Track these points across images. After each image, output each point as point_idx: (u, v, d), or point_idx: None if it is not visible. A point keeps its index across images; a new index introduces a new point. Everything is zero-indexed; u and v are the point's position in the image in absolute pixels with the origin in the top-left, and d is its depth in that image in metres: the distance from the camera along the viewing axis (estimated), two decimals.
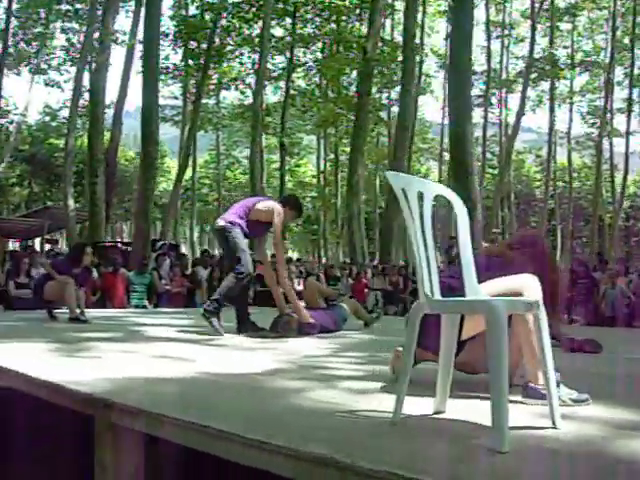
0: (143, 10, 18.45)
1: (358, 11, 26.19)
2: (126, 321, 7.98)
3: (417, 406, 2.88)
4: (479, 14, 31.72)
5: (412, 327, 2.73)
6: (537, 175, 54.06)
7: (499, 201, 36.25)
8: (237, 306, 6.75)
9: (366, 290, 16.26)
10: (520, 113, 31.99)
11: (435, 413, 2.85)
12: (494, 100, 38.49)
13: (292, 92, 27.48)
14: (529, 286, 3.20)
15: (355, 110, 23.19)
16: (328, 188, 38.74)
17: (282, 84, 29.10)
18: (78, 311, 7.46)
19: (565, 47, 39.46)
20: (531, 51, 31.54)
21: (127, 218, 44.94)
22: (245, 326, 6.60)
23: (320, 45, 27.19)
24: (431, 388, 2.91)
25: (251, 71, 28.27)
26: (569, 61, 37.63)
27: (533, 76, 33.27)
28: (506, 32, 37.77)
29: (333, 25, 26.26)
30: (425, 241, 2.76)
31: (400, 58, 22.81)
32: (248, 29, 26.18)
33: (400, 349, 3.74)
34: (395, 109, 39.34)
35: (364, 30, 24.82)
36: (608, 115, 38.61)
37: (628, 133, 37.41)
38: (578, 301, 13.86)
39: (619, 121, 42.82)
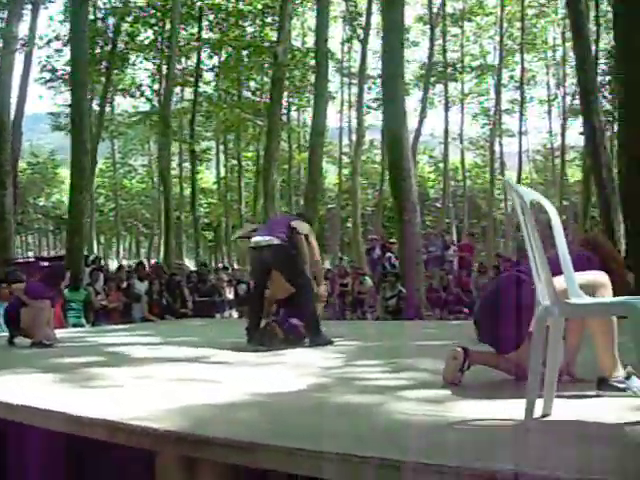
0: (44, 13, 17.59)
1: (268, 17, 26.02)
2: (90, 342, 7.53)
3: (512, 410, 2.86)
4: (376, 18, 32.18)
5: (541, 331, 2.70)
6: (431, 175, 55.37)
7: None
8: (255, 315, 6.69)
9: None
10: (422, 116, 32.68)
11: (543, 416, 2.83)
12: None
13: (199, 98, 27.02)
14: (603, 283, 3.28)
15: (265, 115, 23.04)
16: (230, 194, 38.36)
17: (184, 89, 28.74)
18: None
19: (455, 51, 40.60)
20: (430, 55, 32.29)
21: (19, 232, 42.97)
22: (257, 336, 6.50)
23: (229, 50, 26.76)
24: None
25: (156, 77, 27.61)
26: (461, 65, 38.76)
27: (433, 79, 34.03)
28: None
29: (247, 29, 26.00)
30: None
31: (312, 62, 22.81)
32: (153, 34, 25.59)
33: (459, 350, 3.74)
34: (294, 114, 39.95)
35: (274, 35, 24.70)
36: (498, 116, 40.13)
37: (521, 133, 39.02)
38: None
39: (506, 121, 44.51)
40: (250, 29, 26.53)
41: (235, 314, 14.12)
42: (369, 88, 36.34)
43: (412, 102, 42.06)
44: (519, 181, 40.07)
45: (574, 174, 51.88)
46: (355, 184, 31.72)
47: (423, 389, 3.72)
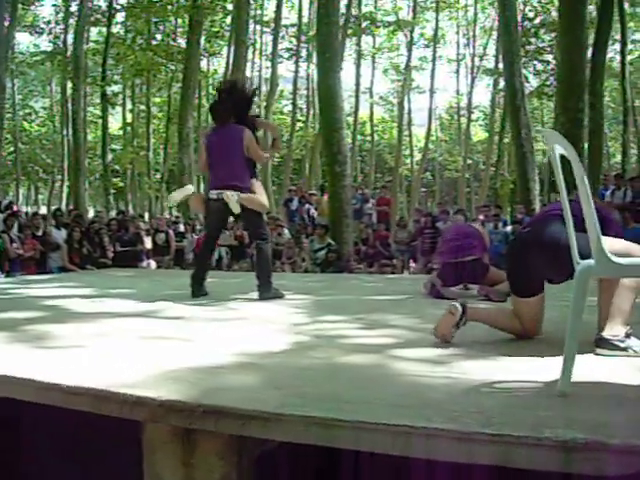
0: None
1: None
2: (18, 294, 6.93)
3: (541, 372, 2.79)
4: None
5: (583, 289, 2.59)
6: None
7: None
8: (201, 268, 6.49)
9: None
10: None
11: None
12: (304, 54, 38.70)
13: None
14: (637, 250, 3.24)
15: (178, 60, 22.28)
16: (137, 140, 37.10)
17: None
18: None
19: (368, 5, 40.42)
20: (348, 7, 31.88)
21: None
22: (201, 289, 6.38)
23: None
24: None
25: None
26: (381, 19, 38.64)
27: (350, 32, 33.67)
28: None
29: None
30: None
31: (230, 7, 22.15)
32: None
33: (457, 305, 3.67)
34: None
35: None
36: (409, 72, 40.41)
37: (432, 91, 39.48)
38: (423, 250, 14.46)
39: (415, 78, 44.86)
40: None
41: (153, 264, 13.68)
42: (282, 37, 35.80)
43: None
44: (427, 138, 40.64)
45: (477, 133, 53.13)
46: (267, 134, 31.14)
47: (415, 347, 3.60)
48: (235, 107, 6.45)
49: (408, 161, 48.75)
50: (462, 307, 3.66)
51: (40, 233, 12.04)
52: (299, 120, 40.73)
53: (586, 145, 9.73)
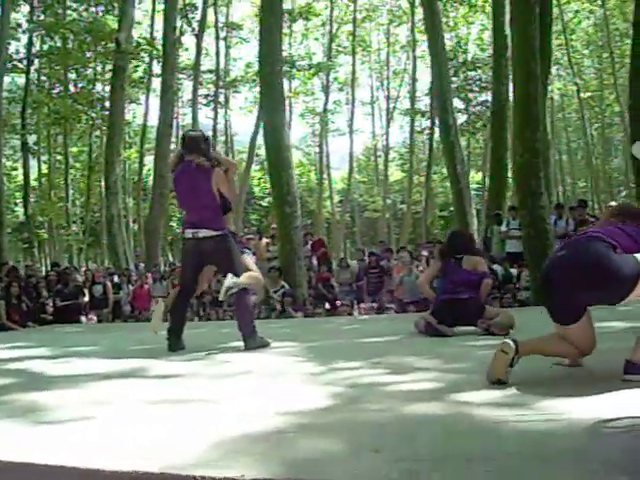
0: None
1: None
2: None
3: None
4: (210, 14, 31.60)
5: None
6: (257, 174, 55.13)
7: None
8: (179, 320, 6.00)
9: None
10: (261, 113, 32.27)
11: None
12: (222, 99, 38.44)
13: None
14: None
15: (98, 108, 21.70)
16: (54, 191, 35.73)
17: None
18: None
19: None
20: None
21: None
22: (179, 343, 5.93)
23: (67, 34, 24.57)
24: None
25: None
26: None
27: None
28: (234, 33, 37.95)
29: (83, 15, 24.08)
30: None
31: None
32: None
33: (510, 342, 3.40)
34: None
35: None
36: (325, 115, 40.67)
37: (352, 132, 39.89)
38: (369, 290, 14.23)
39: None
40: (85, 14, 24.69)
41: (94, 318, 12.93)
42: (200, 84, 35.36)
43: (239, 101, 41.82)
44: (350, 179, 40.86)
45: (393, 173, 53.83)
46: None
47: (471, 391, 3.32)
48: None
49: (327, 203, 48.83)
50: (514, 343, 3.38)
51: None
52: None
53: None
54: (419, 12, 37.21)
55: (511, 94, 12.56)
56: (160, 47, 21.88)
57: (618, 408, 2.76)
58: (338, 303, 14.80)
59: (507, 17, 15.26)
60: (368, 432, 2.62)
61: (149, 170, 40.19)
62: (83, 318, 12.54)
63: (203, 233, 5.79)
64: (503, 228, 13.35)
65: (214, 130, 37.83)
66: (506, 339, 3.46)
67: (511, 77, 12.50)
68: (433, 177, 39.62)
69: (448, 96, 16.69)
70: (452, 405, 3.04)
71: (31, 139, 28.44)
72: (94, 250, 38.77)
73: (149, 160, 40.85)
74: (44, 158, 36.39)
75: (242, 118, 75.03)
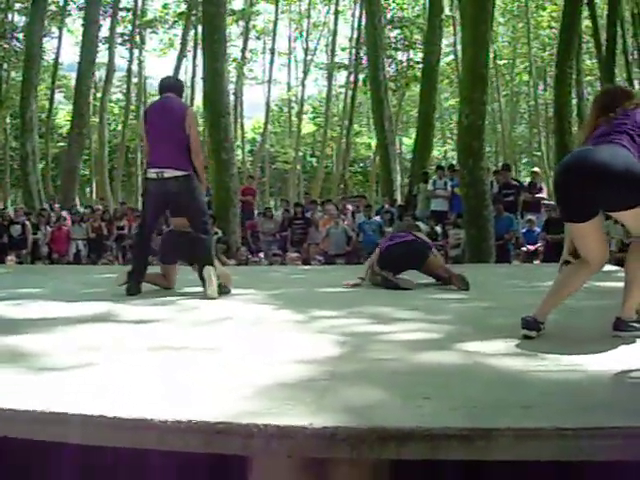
0: None
1: None
2: None
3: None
4: None
5: None
6: None
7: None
8: (140, 264, 5.80)
9: None
10: (182, 54, 31.52)
11: None
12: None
13: None
14: None
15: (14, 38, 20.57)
16: None
17: None
18: None
19: None
20: None
21: None
22: (138, 287, 5.79)
23: None
24: None
25: None
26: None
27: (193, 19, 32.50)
28: None
29: None
30: None
31: None
32: None
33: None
34: None
35: None
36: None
37: (270, 82, 39.47)
38: (293, 240, 14.28)
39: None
40: None
41: (14, 259, 12.40)
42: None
43: (153, 42, 40.56)
44: (265, 129, 40.48)
45: (305, 126, 53.62)
46: (103, 122, 29.61)
47: (474, 341, 3.40)
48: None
49: (239, 152, 48.27)
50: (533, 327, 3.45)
51: None
52: (132, 111, 38.92)
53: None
54: None
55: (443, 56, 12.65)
56: None
57: (631, 359, 2.88)
58: (260, 254, 14.81)
59: None
60: (401, 380, 2.62)
61: (56, 108, 38.73)
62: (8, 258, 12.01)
63: (168, 173, 5.59)
64: (430, 187, 13.59)
65: (128, 71, 36.63)
66: (524, 330, 3.44)
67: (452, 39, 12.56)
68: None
69: (380, 53, 16.69)
70: (465, 355, 3.10)
71: None
72: (2, 189, 37.02)
73: (57, 98, 39.39)
74: None
75: (155, 60, 72.83)
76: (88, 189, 40.69)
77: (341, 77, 41.73)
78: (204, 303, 5.17)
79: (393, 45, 25.32)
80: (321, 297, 5.56)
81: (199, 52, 38.17)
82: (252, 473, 2.20)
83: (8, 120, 34.07)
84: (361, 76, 27.20)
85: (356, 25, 36.01)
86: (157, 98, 6.08)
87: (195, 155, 5.70)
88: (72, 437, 2.19)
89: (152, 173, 5.68)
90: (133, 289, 5.70)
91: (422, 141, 16.98)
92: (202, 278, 5.56)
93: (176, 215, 6.19)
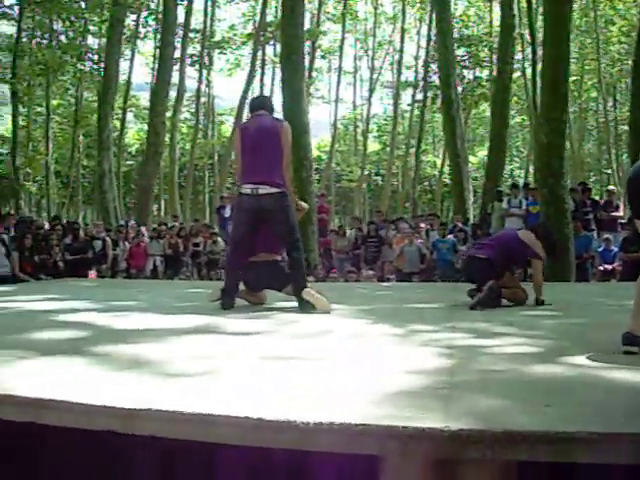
0: None
1: None
2: (12, 309, 6.16)
3: None
4: None
5: None
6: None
7: None
8: (235, 278, 5.91)
9: None
10: (251, 75, 32.02)
11: None
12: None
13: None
14: None
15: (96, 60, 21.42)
16: (32, 144, 34.98)
17: None
18: None
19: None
20: (262, 14, 31.52)
21: None
22: (232, 302, 5.94)
23: None
24: None
25: None
26: None
27: (262, 39, 33.15)
28: None
29: None
30: None
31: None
32: None
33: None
34: None
35: None
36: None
37: (337, 101, 39.71)
38: (367, 258, 14.38)
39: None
40: None
41: (94, 273, 12.82)
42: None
43: (220, 63, 41.27)
44: (331, 148, 40.72)
45: (371, 144, 53.76)
46: (174, 141, 30.32)
47: (577, 355, 3.49)
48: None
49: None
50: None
51: None
52: (201, 129, 39.73)
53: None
54: None
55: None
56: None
57: None
58: (333, 271, 14.96)
59: None
60: (518, 390, 2.73)
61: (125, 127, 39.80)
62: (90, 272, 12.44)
63: (263, 189, 5.70)
64: (504, 206, 13.54)
65: (197, 91, 37.43)
66: (626, 347, 3.53)
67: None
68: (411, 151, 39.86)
69: (453, 71, 16.78)
70: (571, 367, 3.19)
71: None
72: (74, 206, 38.23)
73: (129, 117, 40.41)
74: (22, 110, 35.58)
75: (221, 80, 74.13)
76: (156, 206, 41.62)
77: (406, 95, 41.82)
78: (302, 317, 5.32)
79: (462, 63, 25.26)
80: (412, 312, 5.65)
81: (267, 72, 39.22)
82: (384, 474, 2.31)
83: (81, 138, 35.10)
84: (430, 94, 27.28)
85: (423, 43, 36.26)
86: (250, 116, 6.24)
87: (285, 170, 5.87)
88: (220, 438, 2.36)
89: (246, 189, 5.78)
90: (227, 304, 5.87)
91: (494, 159, 16.94)
92: (297, 295, 5.72)
93: (267, 231, 6.30)
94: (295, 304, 5.82)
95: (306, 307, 5.67)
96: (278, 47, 38.84)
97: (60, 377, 3.00)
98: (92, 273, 12.63)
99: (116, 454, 2.68)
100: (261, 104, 6.12)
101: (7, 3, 23.46)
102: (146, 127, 40.75)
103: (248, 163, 5.88)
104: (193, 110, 40.31)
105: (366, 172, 46.89)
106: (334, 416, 2.28)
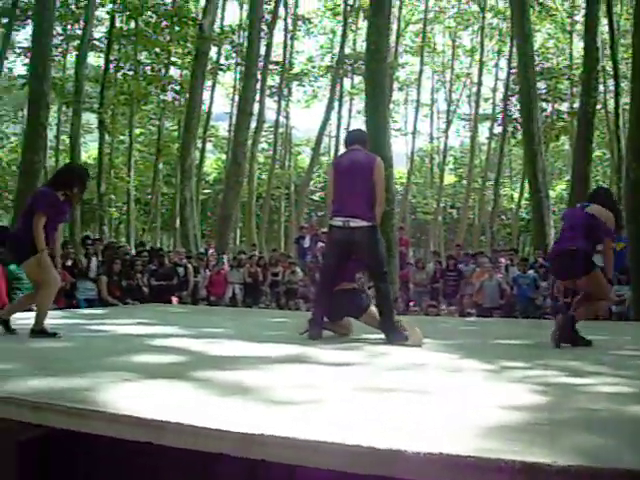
0: None
1: None
2: (101, 331, 6.45)
3: None
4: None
5: None
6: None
7: None
8: (322, 309, 6.03)
9: None
10: (330, 107, 32.45)
11: None
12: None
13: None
14: None
15: (180, 91, 22.08)
16: (114, 171, 36.19)
17: None
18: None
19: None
20: (342, 47, 32.03)
21: None
22: (320, 332, 6.05)
23: (152, 18, 24.90)
24: None
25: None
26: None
27: (341, 72, 33.69)
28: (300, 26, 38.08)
29: None
30: None
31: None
32: None
33: None
34: None
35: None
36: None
37: (414, 133, 39.79)
38: (446, 293, 14.30)
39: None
40: None
41: (176, 300, 13.12)
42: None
43: (297, 94, 41.92)
44: (409, 180, 40.72)
45: (447, 177, 53.50)
46: (253, 170, 30.92)
47: None
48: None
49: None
50: None
51: (70, 263, 11.31)
52: (278, 160, 40.32)
53: None
54: (488, 17, 37.35)
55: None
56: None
57: None
58: (411, 303, 14.94)
59: (601, 29, 15.12)
60: (621, 428, 2.73)
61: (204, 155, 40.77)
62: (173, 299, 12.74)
63: (354, 223, 5.83)
64: None
65: (276, 122, 38.08)
66: None
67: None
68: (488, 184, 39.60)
69: (535, 104, 16.65)
70: None
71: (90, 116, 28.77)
72: (152, 232, 39.29)
73: (208, 146, 41.37)
74: (107, 138, 36.89)
75: (298, 111, 75.31)
76: (232, 234, 42.32)
77: (483, 128, 41.65)
78: (392, 349, 5.37)
79: (542, 96, 25.04)
80: (501, 348, 5.64)
81: (345, 104, 39.65)
82: None
83: (161, 166, 36.05)
84: (510, 127, 27.10)
85: (501, 76, 36.13)
86: (344, 151, 6.38)
87: (378, 205, 5.96)
88: (330, 465, 2.45)
89: (338, 221, 5.93)
90: (315, 335, 5.97)
91: (577, 194, 16.64)
92: (386, 327, 5.79)
93: (356, 263, 6.40)
94: (381, 336, 5.88)
95: (396, 339, 5.71)
96: (356, 79, 39.48)
97: (165, 400, 3.15)
98: (174, 299, 12.92)
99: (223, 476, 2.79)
100: (355, 139, 6.28)
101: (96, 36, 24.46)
102: (224, 156, 42.37)
103: (340, 196, 6.02)
104: (271, 140, 40.99)
105: (442, 204, 46.61)
106: (442, 447, 2.33)
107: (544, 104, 26.47)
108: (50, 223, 5.84)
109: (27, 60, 29.36)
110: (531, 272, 13.71)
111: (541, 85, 26.61)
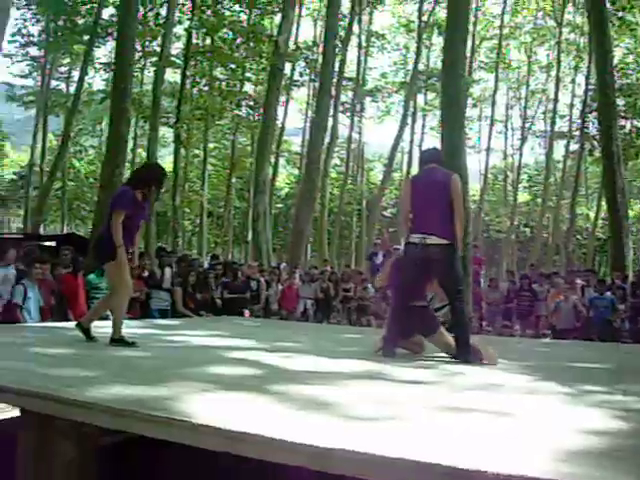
0: None
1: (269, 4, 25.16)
2: (177, 342, 6.59)
3: None
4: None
5: None
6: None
7: None
8: (399, 326, 5.99)
9: None
10: (403, 123, 32.48)
11: None
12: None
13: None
14: None
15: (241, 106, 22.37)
16: (188, 184, 36.97)
17: None
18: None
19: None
20: (416, 63, 32.08)
21: None
22: (395, 350, 6.00)
23: (228, 35, 25.47)
24: None
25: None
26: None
27: (415, 88, 33.77)
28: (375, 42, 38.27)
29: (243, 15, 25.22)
30: None
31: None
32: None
33: None
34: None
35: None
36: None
37: (488, 149, 39.44)
38: (519, 313, 14.05)
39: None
40: (244, 16, 25.68)
41: (248, 313, 13.25)
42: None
43: (372, 110, 42.02)
44: (482, 197, 40.31)
45: (521, 195, 52.73)
46: (325, 186, 31.13)
47: None
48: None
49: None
50: None
51: (146, 274, 11.55)
52: (350, 175, 40.46)
53: None
54: (565, 32, 36.75)
55: None
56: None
57: None
58: (484, 323, 14.74)
59: None
60: None
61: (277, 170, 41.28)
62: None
63: (432, 240, 5.82)
64: None
65: (349, 138, 38.29)
66: None
67: None
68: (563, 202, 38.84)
69: (614, 121, 16.29)
70: None
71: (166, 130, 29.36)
72: (224, 244, 39.95)
73: (280, 161, 41.87)
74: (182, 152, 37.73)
75: (370, 127, 75.70)
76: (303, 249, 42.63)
77: (559, 145, 40.91)
78: (466, 368, 5.33)
79: (622, 113, 24.47)
80: (578, 372, 5.52)
81: (418, 120, 39.58)
82: None
83: (234, 180, 36.60)
84: (587, 145, 26.55)
85: (578, 92, 35.45)
86: (420, 169, 6.40)
87: (458, 222, 5.93)
88: None
89: (415, 238, 5.92)
90: (389, 352, 5.95)
91: None
92: (461, 346, 5.75)
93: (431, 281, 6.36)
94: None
95: (471, 358, 5.67)
96: (429, 95, 39.40)
97: (243, 411, 3.20)
98: (246, 312, 13.04)
99: None
100: (431, 157, 6.29)
101: (174, 52, 25.08)
102: (296, 171, 42.85)
103: (418, 214, 6.03)
104: (343, 156, 41.22)
105: (515, 223, 45.98)
106: (521, 469, 2.31)
107: (623, 121, 25.83)
108: (130, 221, 5.98)
109: (106, 75, 30.64)
110: (608, 294, 13.35)
111: (620, 102, 26.04)
